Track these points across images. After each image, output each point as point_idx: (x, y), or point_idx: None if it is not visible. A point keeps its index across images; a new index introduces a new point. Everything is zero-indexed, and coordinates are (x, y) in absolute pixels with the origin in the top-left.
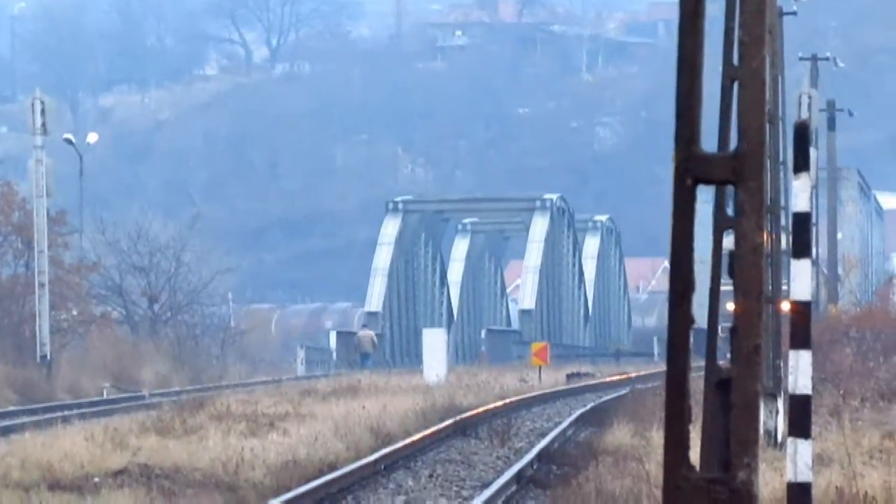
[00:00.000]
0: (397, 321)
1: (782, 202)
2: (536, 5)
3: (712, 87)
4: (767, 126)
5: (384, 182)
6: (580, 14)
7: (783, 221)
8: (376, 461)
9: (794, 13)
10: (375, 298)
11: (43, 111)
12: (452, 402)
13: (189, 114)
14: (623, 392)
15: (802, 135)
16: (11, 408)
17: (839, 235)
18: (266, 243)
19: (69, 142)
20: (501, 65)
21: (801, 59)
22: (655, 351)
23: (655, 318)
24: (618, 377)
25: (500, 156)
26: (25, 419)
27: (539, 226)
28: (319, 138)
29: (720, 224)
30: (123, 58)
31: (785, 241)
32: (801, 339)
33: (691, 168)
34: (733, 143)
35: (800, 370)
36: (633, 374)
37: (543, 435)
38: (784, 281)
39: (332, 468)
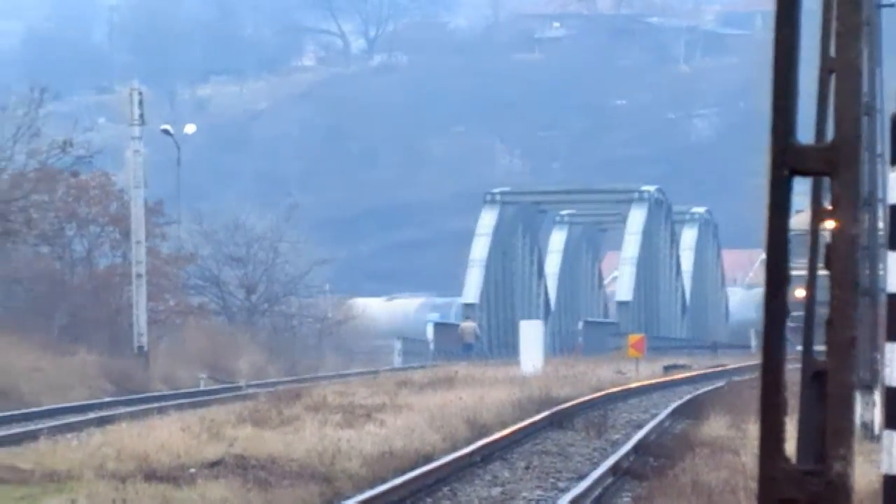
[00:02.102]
0: (494, 312)
1: (879, 194)
2: None
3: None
4: (864, 118)
5: (479, 173)
6: (677, 5)
7: (880, 213)
8: (472, 452)
9: (893, 5)
10: (472, 290)
11: (140, 102)
12: (549, 394)
13: (286, 104)
14: (720, 384)
15: None
16: (108, 398)
17: None
18: (361, 234)
19: (167, 132)
20: (598, 56)
21: None
22: (752, 343)
23: (752, 310)
24: (714, 369)
25: (596, 147)
26: (122, 410)
27: (636, 217)
28: (415, 129)
29: (817, 216)
30: (220, 48)
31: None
32: None
33: (787, 159)
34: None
35: None
36: (730, 366)
37: (640, 427)
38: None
39: (428, 459)
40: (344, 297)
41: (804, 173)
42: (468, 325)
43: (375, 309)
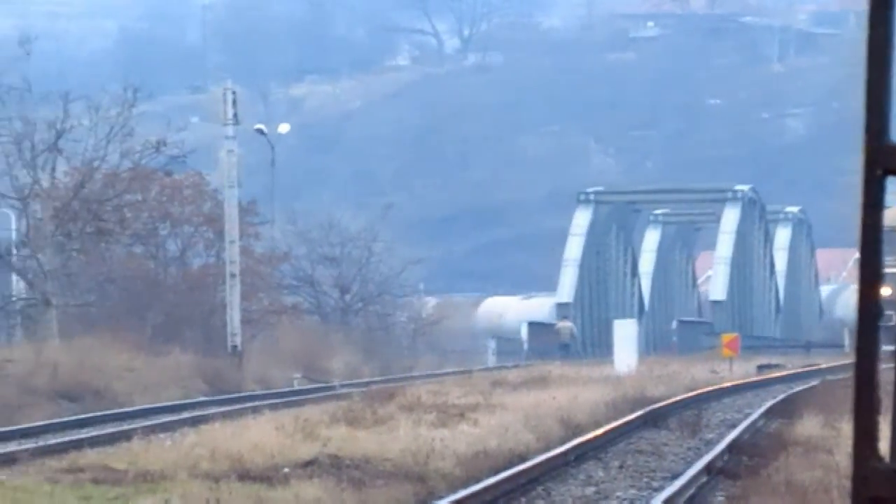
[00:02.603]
0: (588, 312)
1: None
2: None
3: None
4: None
5: (573, 172)
6: (770, 5)
7: None
8: (566, 452)
9: None
10: (567, 289)
11: (234, 101)
12: (643, 393)
13: (379, 104)
14: (813, 383)
15: None
16: (202, 398)
17: None
18: (455, 233)
19: (261, 132)
20: (692, 55)
21: None
22: (846, 342)
23: (847, 309)
24: (807, 368)
25: (690, 146)
26: (215, 410)
27: (730, 217)
28: (509, 128)
29: None
30: (313, 48)
31: None
32: None
33: (880, 159)
34: None
35: None
36: (824, 366)
37: (734, 426)
38: None
39: (522, 459)
40: (437, 297)
41: None
42: (565, 324)
43: (469, 308)
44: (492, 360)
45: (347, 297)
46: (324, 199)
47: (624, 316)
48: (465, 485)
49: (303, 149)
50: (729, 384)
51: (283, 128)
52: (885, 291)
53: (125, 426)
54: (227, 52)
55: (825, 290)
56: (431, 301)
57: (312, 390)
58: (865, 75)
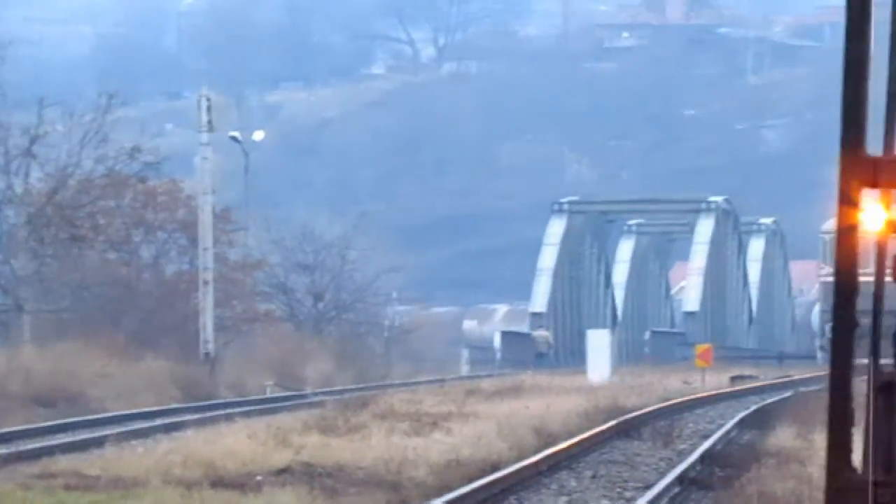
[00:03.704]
0: (562, 322)
1: None
2: (703, 7)
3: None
4: None
5: (549, 182)
6: (747, 16)
7: None
8: (539, 461)
9: None
10: (540, 299)
11: (209, 108)
12: (616, 403)
13: (356, 112)
14: (787, 395)
15: None
16: (175, 405)
17: None
18: (432, 242)
19: (235, 139)
20: (668, 66)
21: None
22: (818, 354)
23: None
24: (781, 380)
25: (665, 157)
26: (188, 417)
27: (704, 228)
28: (485, 137)
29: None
30: (290, 55)
31: None
32: None
33: (857, 172)
34: None
35: None
36: (797, 377)
37: (707, 437)
38: None
39: (496, 468)
40: (411, 305)
41: (874, 185)
42: (542, 333)
43: (443, 317)
44: (465, 369)
45: (321, 304)
46: (300, 207)
47: (597, 326)
48: (439, 493)
49: (280, 156)
50: (702, 395)
51: (258, 135)
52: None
53: (98, 432)
54: (204, 58)
55: (802, 302)
56: (405, 309)
57: (286, 398)
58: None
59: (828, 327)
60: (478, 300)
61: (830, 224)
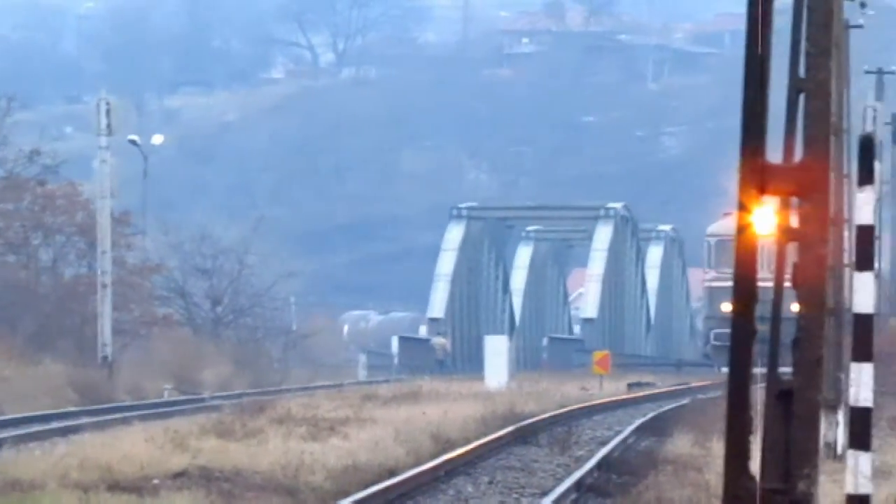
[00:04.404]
0: (459, 327)
1: (846, 214)
2: (604, 14)
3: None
4: (832, 138)
5: (449, 188)
6: (647, 23)
7: (846, 234)
8: (436, 467)
9: (861, 26)
10: (438, 304)
11: (108, 112)
12: (513, 409)
13: (255, 117)
14: (684, 402)
15: (867, 147)
16: (72, 408)
17: None
18: (330, 247)
19: (134, 143)
20: (568, 73)
21: (866, 72)
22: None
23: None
24: (678, 387)
25: (564, 164)
26: (86, 420)
27: (603, 234)
28: (385, 143)
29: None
30: (190, 59)
31: (848, 254)
32: (863, 351)
33: (757, 179)
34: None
35: (861, 382)
36: (694, 384)
37: (604, 443)
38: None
39: (393, 473)
40: (309, 310)
41: (774, 192)
42: (440, 340)
43: (340, 322)
44: (363, 375)
45: (219, 309)
46: (199, 211)
47: (495, 332)
48: (336, 498)
49: (179, 161)
50: (599, 402)
51: (157, 139)
52: (726, 307)
53: None
54: (103, 62)
55: (697, 308)
56: (301, 313)
57: (183, 402)
58: (742, 95)
59: (712, 333)
60: (375, 306)
61: (714, 228)
